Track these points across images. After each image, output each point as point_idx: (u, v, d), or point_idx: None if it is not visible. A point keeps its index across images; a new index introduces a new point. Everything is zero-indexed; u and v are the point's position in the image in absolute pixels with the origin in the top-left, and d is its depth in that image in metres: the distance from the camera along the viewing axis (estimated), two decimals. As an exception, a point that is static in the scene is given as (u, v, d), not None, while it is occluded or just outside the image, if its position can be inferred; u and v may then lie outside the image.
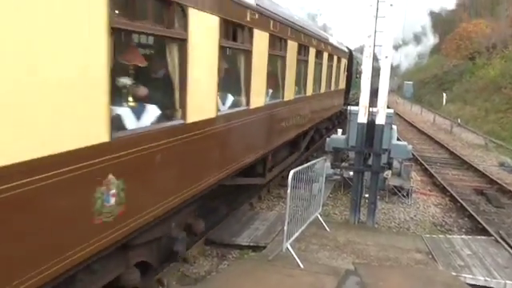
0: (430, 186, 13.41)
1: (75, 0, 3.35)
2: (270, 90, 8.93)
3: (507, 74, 31.27)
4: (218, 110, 6.20)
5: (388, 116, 9.20)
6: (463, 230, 9.86)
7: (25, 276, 3.08)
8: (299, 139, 12.50)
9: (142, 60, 4.91)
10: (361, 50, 9.13)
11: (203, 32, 5.43)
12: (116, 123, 4.03)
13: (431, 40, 60.13)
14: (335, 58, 16.20)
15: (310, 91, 12.37)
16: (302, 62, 11.08)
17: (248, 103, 7.41)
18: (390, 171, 10.99)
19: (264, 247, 7.43)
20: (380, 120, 8.63)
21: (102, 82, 3.68)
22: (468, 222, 10.34)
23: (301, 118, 11.67)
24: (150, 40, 5.73)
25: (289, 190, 6.63)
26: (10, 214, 2.95)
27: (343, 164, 10.96)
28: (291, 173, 6.69)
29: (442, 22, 60.32)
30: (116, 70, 4.24)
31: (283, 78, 9.49)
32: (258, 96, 7.89)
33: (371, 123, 8.71)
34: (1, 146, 2.81)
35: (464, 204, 11.24)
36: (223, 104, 6.73)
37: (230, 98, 7.01)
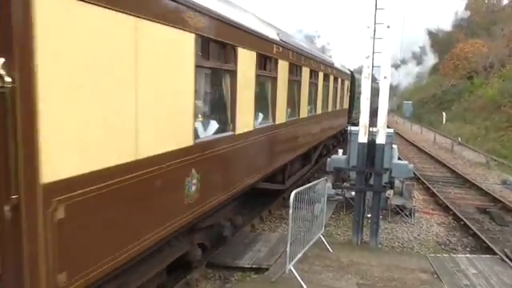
0: (432, 205, 13.34)
1: (181, 51, 5.10)
2: (289, 109, 10.30)
3: (506, 92, 31.47)
4: (254, 125, 7.86)
5: (388, 135, 9.24)
6: (468, 249, 9.77)
7: (150, 233, 4.61)
8: (311, 153, 13.92)
9: (207, 87, 6.63)
10: (360, 70, 9.24)
11: (246, 64, 7.11)
12: (195, 133, 5.63)
13: (431, 59, 60.71)
14: (339, 80, 17.95)
15: (319, 110, 14.05)
16: (313, 85, 12.73)
17: (274, 120, 9.11)
18: (392, 191, 10.97)
19: (267, 269, 7.35)
20: (380, 139, 8.66)
21: (191, 103, 5.39)
22: (472, 240, 10.25)
23: (312, 133, 13.30)
24: (213, 72, 6.84)
25: (291, 211, 6.60)
26: (148, 190, 4.53)
27: (344, 184, 10.94)
28: (293, 194, 6.68)
29: (439, 43, 61.12)
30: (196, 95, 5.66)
31: (299, 99, 11.17)
32: (281, 114, 9.53)
33: (372, 143, 8.74)
34: (146, 146, 4.44)
35: (468, 223, 11.16)
36: (257, 120, 8.17)
37: (261, 116, 8.59)
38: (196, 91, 5.53)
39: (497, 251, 9.00)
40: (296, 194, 6.78)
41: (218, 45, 6.28)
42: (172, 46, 4.86)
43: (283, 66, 9.32)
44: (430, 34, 60.44)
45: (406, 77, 65.85)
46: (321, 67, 13.72)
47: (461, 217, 11.67)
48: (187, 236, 6.23)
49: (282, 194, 11.42)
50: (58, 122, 3.29)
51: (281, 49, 9.01)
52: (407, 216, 11.21)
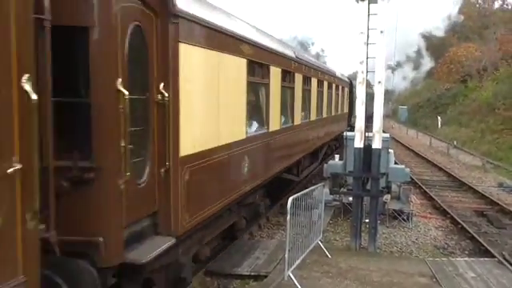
0: (429, 209, 13.36)
1: (239, 71, 7.32)
2: (302, 113, 12.41)
3: (499, 95, 31.68)
4: (280, 125, 10.07)
5: (384, 140, 9.26)
6: (466, 252, 9.78)
7: (228, 195, 6.98)
8: (317, 152, 16.00)
9: (252, 96, 8.35)
10: (355, 76, 9.32)
11: (275, 78, 9.35)
12: (246, 130, 7.80)
13: (428, 63, 60.96)
14: (340, 87, 20.38)
15: (324, 114, 16.31)
16: (319, 93, 15.00)
17: (293, 121, 11.36)
18: (389, 195, 10.98)
19: (265, 276, 7.32)
20: (376, 144, 8.68)
21: (244, 108, 7.63)
22: (470, 243, 10.25)
23: (319, 134, 15.42)
24: (255, 85, 8.69)
25: (288, 217, 6.59)
26: (225, 165, 6.82)
27: (342, 189, 10.94)
28: (290, 200, 6.67)
29: (433, 47, 61.55)
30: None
31: (309, 105, 13.30)
32: (298, 117, 11.79)
33: (368, 148, 8.76)
34: (223, 137, 6.61)
35: (465, 226, 11.17)
36: (281, 121, 10.21)
37: (283, 118, 10.53)
38: (247, 100, 7.72)
39: (495, 254, 9.00)
40: (293, 200, 6.78)
41: (259, 65, 8.49)
42: (234, 68, 7.10)
43: (298, 78, 11.61)
44: (425, 37, 60.99)
45: (402, 80, 66.22)
46: (325, 77, 16.04)
47: (458, 220, 11.69)
48: (237, 209, 8.31)
49: (296, 185, 12.98)
50: (188, 121, 5.41)
51: (297, 64, 11.32)
52: (405, 220, 11.21)
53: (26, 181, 2.99)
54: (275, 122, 9.56)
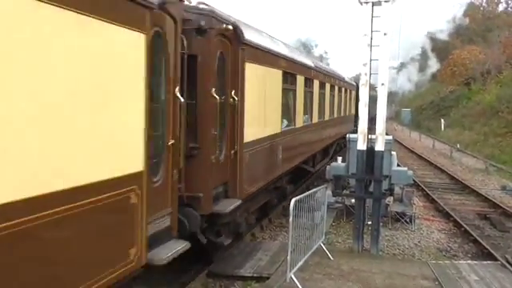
0: (432, 212, 13.33)
1: (277, 81, 9.52)
2: (319, 114, 14.44)
3: (503, 98, 31.58)
4: (303, 122, 12.33)
5: (387, 142, 9.26)
6: (469, 256, 9.75)
7: (271, 174, 9.35)
8: (328, 148, 18.04)
9: (283, 99, 10.20)
10: (359, 78, 9.36)
11: (300, 85, 11.63)
12: (280, 125, 9.97)
13: (435, 65, 60.92)
14: (348, 90, 22.89)
15: (335, 115, 18.65)
16: (331, 96, 17.39)
17: (311, 120, 13.47)
18: (392, 197, 10.96)
19: (267, 278, 7.31)
20: (379, 146, 8.67)
21: (280, 108, 9.74)
22: (473, 246, 10.23)
23: (330, 132, 17.45)
24: (286, 91, 10.71)
25: (291, 219, 6.59)
26: (269, 152, 9.05)
27: (344, 191, 10.92)
28: (292, 201, 6.67)
29: (438, 49, 61.53)
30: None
31: (324, 106, 15.51)
32: (315, 116, 13.95)
33: (371, 150, 8.75)
34: (267, 130, 8.98)
35: (468, 229, 11.14)
36: (303, 119, 12.47)
37: (305, 117, 12.77)
38: (282, 102, 9.92)
39: (498, 257, 8.97)
40: (296, 201, 6.77)
41: (290, 75, 10.65)
42: (274, 78, 9.39)
43: (316, 84, 13.80)
44: (431, 38, 61.13)
45: (407, 82, 66.31)
46: (335, 82, 18.34)
47: (461, 223, 11.66)
48: (271, 189, 10.23)
49: (311, 175, 15.16)
50: (248, 117, 7.50)
51: (315, 72, 13.53)
52: (407, 223, 11.19)
53: (175, 151, 5.26)
54: (299, 120, 11.87)
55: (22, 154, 3.01)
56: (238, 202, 7.19)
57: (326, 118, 16.05)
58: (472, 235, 10.69)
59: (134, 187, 4.29)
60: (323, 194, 8.76)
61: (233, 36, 7.06)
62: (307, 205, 7.52)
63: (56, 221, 3.28)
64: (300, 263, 7.01)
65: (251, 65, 7.65)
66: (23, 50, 2.98)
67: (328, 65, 25.45)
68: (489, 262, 8.85)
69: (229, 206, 6.91)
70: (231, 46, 7.11)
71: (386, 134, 9.15)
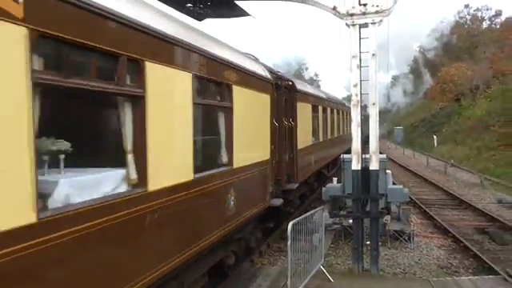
0: (430, 229, 13.29)
1: (310, 111, 14.60)
2: (330, 132, 19.17)
3: (493, 112, 31.98)
4: (323, 138, 17.09)
5: (381, 161, 9.29)
6: (470, 271, 9.69)
7: (310, 170, 14.35)
8: (337, 159, 19.37)
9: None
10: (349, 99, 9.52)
11: (320, 112, 16.76)
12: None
13: (428, 80, 62.47)
14: (346, 113, 25.10)
15: (340, 133, 23.12)
16: (337, 118, 21.83)
17: (327, 136, 18.02)
18: (389, 216, 10.93)
19: (269, 304, 7.22)
20: (374, 166, 8.71)
21: (311, 128, 14.96)
22: (474, 261, 10.18)
23: (337, 147, 21.24)
24: (314, 116, 15.77)
25: (289, 242, 6.55)
26: (308, 158, 13.96)
27: (341, 212, 10.90)
28: (290, 224, 6.64)
29: (429, 65, 63.03)
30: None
31: (332, 126, 19.86)
32: (329, 133, 18.82)
33: (365, 169, 8.78)
34: (308, 141, 14.40)
35: (468, 244, 11.11)
36: (323, 136, 17.19)
37: (323, 134, 17.30)
38: (312, 124, 15.07)
39: (499, 271, 8.93)
40: (293, 225, 6.75)
41: (315, 107, 15.29)
42: (309, 109, 14.37)
43: (326, 110, 18.12)
44: (422, 53, 63.11)
45: (403, 97, 67.76)
46: (339, 107, 23.45)
47: (460, 238, 11.62)
48: (305, 184, 14.22)
49: (326, 178, 18.42)
50: (299, 134, 12.30)
51: (326, 102, 18.46)
52: (406, 241, 11.14)
53: (274, 152, 9.69)
54: (321, 136, 16.78)
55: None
56: (297, 184, 11.82)
57: (333, 136, 20.40)
58: (472, 250, 10.65)
59: (267, 166, 9.02)
60: (320, 215, 8.74)
61: (291, 88, 12.05)
62: (305, 227, 7.49)
63: (251, 175, 7.92)
64: (300, 287, 6.93)
65: (300, 103, 12.77)
66: (243, 107, 7.45)
67: (319, 87, 27.92)
68: (490, 276, 8.80)
69: (293, 185, 11.58)
70: (289, 93, 11.89)
71: (380, 153, 9.19)
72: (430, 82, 62.05)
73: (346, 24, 8.79)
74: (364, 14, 8.61)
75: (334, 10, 8.82)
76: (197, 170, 5.60)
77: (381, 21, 8.62)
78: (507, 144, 27.20)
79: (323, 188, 11.21)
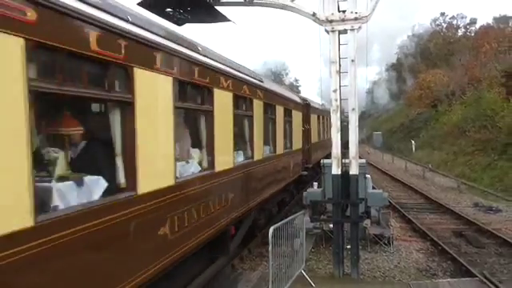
0: (409, 232, 13.46)
1: (316, 120, 21.34)
2: (322, 134, 23.01)
3: (469, 118, 32.70)
4: (321, 138, 22.80)
5: (361, 166, 9.39)
6: (448, 274, 9.83)
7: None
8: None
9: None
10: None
11: (320, 120, 23.00)
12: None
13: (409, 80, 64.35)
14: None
15: (325, 138, 25.79)
16: (320, 125, 22.95)
17: (325, 137, 23.39)
18: (369, 220, 11.03)
19: (250, 310, 7.19)
20: (353, 170, 8.79)
21: (316, 131, 21.14)
22: (451, 264, 10.34)
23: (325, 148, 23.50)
24: (319, 123, 22.78)
25: (270, 247, 6.55)
26: (319, 149, 21.14)
27: (322, 217, 10.95)
28: (271, 229, 6.64)
29: (410, 69, 64.81)
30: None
31: (324, 130, 23.71)
32: (320, 136, 22.35)
33: (345, 174, 8.85)
34: (315, 138, 20.68)
35: (445, 247, 11.28)
36: (321, 136, 22.86)
37: (322, 135, 23.46)
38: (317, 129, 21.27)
39: (476, 273, 9.08)
40: (274, 229, 6.74)
41: (318, 116, 21.33)
42: (316, 119, 21.16)
43: (321, 118, 22.50)
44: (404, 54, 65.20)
45: (385, 93, 69.36)
46: (328, 115, 27.85)
47: (438, 242, 11.80)
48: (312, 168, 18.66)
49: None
50: (313, 134, 19.19)
51: (324, 113, 22.58)
52: (386, 245, 11.25)
53: (302, 151, 16.17)
54: (321, 136, 22.31)
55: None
56: (311, 165, 17.66)
57: (316, 140, 23.39)
58: (449, 253, 10.82)
59: (301, 152, 15.75)
60: (301, 220, 8.76)
61: (306, 104, 17.49)
62: (286, 232, 7.49)
63: (296, 156, 14.97)
64: (282, 292, 6.93)
65: (313, 115, 18.98)
66: (295, 120, 14.96)
67: (300, 92, 29.14)
68: (467, 278, 8.95)
69: (309, 165, 17.23)
70: (303, 107, 16.72)
71: (360, 158, 9.29)
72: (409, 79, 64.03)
73: (326, 30, 8.88)
74: (343, 20, 8.72)
75: (314, 17, 8.90)
76: (275, 151, 11.69)
77: (360, 27, 8.74)
78: (482, 149, 27.85)
79: (304, 193, 11.25)
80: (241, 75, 8.44)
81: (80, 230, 3.72)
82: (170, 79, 5.39)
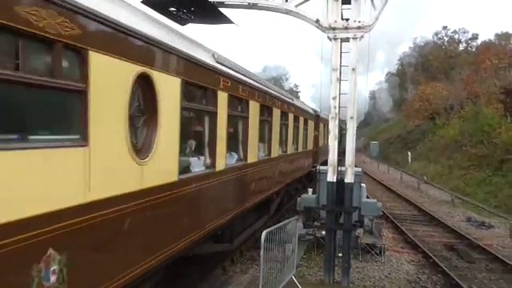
0: (401, 243, 13.46)
1: (323, 128, 23.22)
2: (325, 139, 23.02)
3: (466, 132, 32.77)
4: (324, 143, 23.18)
5: (357, 174, 9.40)
6: (437, 287, 9.84)
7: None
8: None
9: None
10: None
11: (323, 127, 23.38)
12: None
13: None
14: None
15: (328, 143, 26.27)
16: (325, 132, 24.31)
17: (323, 143, 23.04)
18: (362, 229, 11.04)
19: (238, 313, 7.16)
20: (349, 178, 8.80)
21: (322, 137, 23.51)
22: (442, 278, 10.34)
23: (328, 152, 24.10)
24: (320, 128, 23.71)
25: (262, 252, 6.54)
26: (322, 152, 21.27)
27: (315, 223, 10.95)
28: (264, 233, 6.63)
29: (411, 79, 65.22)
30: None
31: (318, 138, 23.69)
32: (324, 141, 22.94)
33: (340, 182, 8.86)
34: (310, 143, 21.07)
35: (436, 260, 11.29)
36: (324, 141, 23.39)
37: (325, 140, 23.43)
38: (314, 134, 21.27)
39: (465, 288, 9.10)
40: (267, 234, 6.74)
41: (321, 123, 22.27)
42: (323, 126, 22.85)
43: (325, 126, 22.15)
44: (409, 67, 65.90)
45: (387, 101, 69.87)
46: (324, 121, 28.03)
47: (430, 254, 11.81)
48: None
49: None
50: (319, 138, 22.27)
51: (324, 120, 21.93)
52: (378, 254, 11.25)
53: (312, 151, 20.16)
54: (325, 141, 21.11)
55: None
56: (318, 164, 17.86)
57: (321, 144, 25.90)
58: (440, 266, 10.82)
59: (312, 152, 19.73)
60: (294, 225, 8.75)
61: (317, 114, 20.72)
62: (278, 237, 7.48)
63: (308, 154, 19.15)
64: (271, 297, 6.91)
65: (321, 123, 21.86)
66: (310, 127, 19.24)
67: (299, 98, 31.68)
68: (457, 293, 8.95)
69: (316, 164, 18.30)
70: (315, 118, 20.26)
71: (355, 167, 9.30)
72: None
73: (328, 37, 8.92)
74: (346, 28, 8.76)
75: (317, 23, 8.93)
76: (297, 149, 15.91)
77: (362, 36, 8.78)
78: (478, 164, 27.92)
79: (298, 198, 11.26)
80: (286, 99, 13.49)
81: (198, 185, 6.29)
82: (258, 104, 9.67)
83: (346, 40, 8.84)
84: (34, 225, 3.25)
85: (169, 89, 5.31)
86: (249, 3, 9.32)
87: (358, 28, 8.71)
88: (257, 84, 9.59)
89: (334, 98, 8.90)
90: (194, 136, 6.90)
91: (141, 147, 4.86)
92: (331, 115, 9.01)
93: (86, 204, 3.83)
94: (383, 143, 59.99)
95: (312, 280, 9.46)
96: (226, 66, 7.36)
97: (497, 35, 59.91)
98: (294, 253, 8.60)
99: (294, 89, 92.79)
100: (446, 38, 70.13)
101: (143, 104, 4.91)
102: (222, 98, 7.11)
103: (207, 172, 6.76)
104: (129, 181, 4.54)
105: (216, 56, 6.95)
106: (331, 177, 8.89)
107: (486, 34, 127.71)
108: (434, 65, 65.15)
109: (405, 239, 13.89)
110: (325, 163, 18.72)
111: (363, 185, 11.33)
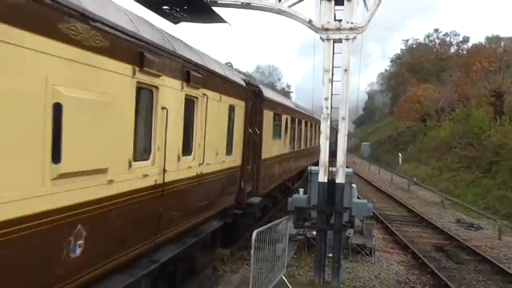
0: (391, 244, 13.54)
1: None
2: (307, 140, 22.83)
3: (456, 134, 33.06)
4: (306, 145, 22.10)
5: (348, 175, 9.43)
6: (427, 287, 9.90)
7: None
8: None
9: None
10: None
11: (284, 121, 16.49)
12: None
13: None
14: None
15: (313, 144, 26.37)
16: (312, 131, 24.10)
17: (304, 145, 21.56)
18: (353, 230, 11.08)
19: (228, 312, 7.16)
20: (340, 179, 8.82)
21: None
22: (431, 278, 10.41)
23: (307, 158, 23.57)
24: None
25: (252, 251, 6.54)
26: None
27: (306, 223, 10.97)
28: (254, 233, 6.63)
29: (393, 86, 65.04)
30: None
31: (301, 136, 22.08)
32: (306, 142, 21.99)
33: (331, 182, 8.88)
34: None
35: (426, 261, 11.37)
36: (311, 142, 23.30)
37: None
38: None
39: (454, 289, 9.16)
40: (258, 233, 6.74)
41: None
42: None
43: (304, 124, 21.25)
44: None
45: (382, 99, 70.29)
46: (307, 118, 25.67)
47: (419, 255, 11.89)
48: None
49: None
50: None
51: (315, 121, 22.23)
52: (368, 255, 11.30)
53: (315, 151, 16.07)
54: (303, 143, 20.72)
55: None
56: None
57: (309, 145, 23.82)
58: (429, 267, 10.90)
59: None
60: (285, 225, 8.76)
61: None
62: (269, 237, 7.48)
63: (310, 152, 21.84)
64: (261, 296, 6.91)
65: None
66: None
67: (291, 98, 29.01)
68: (446, 293, 9.01)
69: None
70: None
71: (346, 167, 9.33)
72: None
73: (321, 38, 8.94)
74: (339, 29, 8.78)
75: (310, 24, 8.95)
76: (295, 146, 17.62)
77: (354, 37, 8.81)
78: (467, 166, 28.17)
79: (289, 198, 11.26)
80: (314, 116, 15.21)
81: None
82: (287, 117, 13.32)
83: (339, 41, 8.87)
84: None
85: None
86: (242, 3, 9.31)
87: (351, 29, 8.74)
88: None
89: (326, 99, 8.92)
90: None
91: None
92: (323, 116, 9.03)
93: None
94: (374, 144, 60.34)
95: (302, 280, 9.48)
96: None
97: (487, 38, 60.55)
98: (285, 252, 8.61)
99: (286, 89, 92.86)
100: (438, 41, 70.71)
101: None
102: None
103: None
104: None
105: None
106: (322, 177, 8.91)
107: (477, 37, 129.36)
108: (425, 67, 65.62)
109: (395, 240, 13.97)
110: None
111: (354, 185, 11.38)
